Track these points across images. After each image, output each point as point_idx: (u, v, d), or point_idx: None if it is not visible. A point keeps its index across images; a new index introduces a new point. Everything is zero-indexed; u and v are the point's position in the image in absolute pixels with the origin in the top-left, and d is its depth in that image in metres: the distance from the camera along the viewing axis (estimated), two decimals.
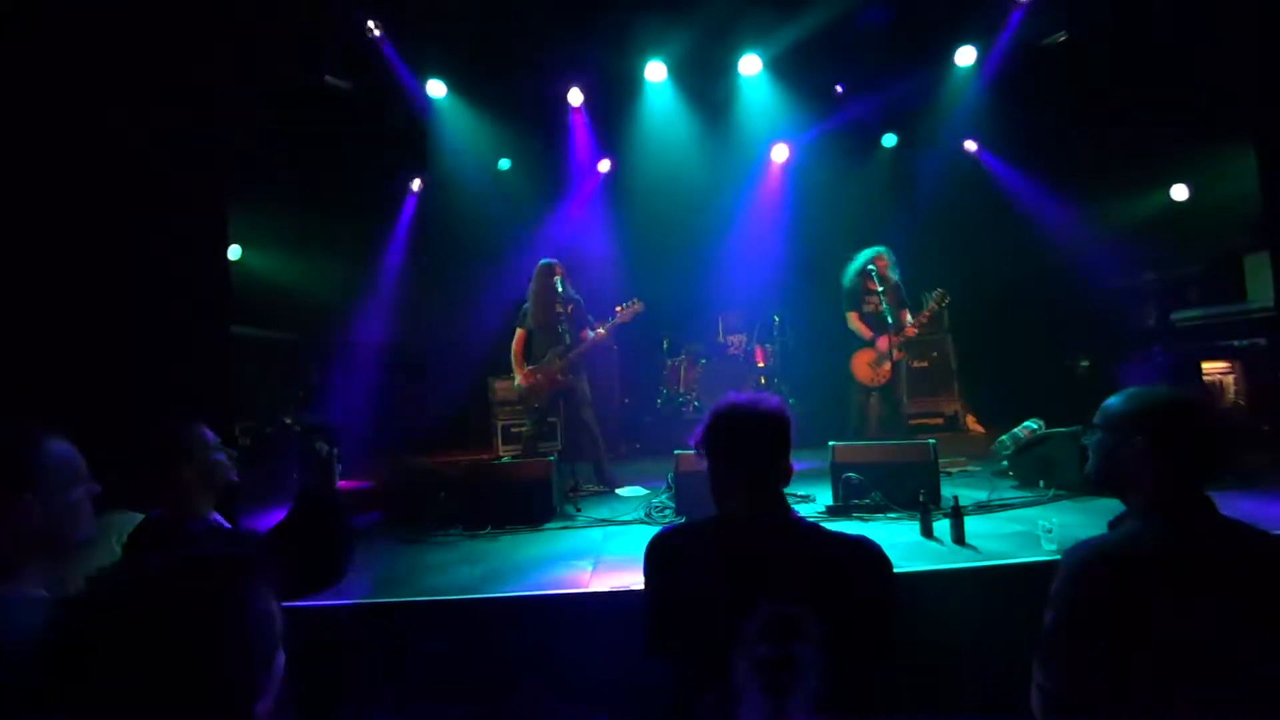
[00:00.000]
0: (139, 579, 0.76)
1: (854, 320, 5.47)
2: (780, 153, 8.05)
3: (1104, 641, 1.34)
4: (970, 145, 7.95)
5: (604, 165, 8.19)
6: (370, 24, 5.91)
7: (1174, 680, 1.30)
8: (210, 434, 1.84)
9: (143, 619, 0.71)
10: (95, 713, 0.67)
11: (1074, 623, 1.38)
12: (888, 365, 5.30)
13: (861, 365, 5.46)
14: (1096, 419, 1.56)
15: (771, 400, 1.54)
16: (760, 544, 1.42)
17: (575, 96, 6.95)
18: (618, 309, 5.09)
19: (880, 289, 5.25)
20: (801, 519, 1.51)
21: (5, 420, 1.31)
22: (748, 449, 1.49)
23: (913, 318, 5.29)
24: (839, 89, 7.12)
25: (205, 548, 1.45)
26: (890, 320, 5.18)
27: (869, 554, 1.45)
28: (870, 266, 5.32)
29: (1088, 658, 1.35)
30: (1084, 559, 1.42)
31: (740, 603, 1.33)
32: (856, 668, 1.35)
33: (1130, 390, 1.53)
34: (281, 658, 0.84)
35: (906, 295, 5.45)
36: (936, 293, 5.34)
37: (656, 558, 1.50)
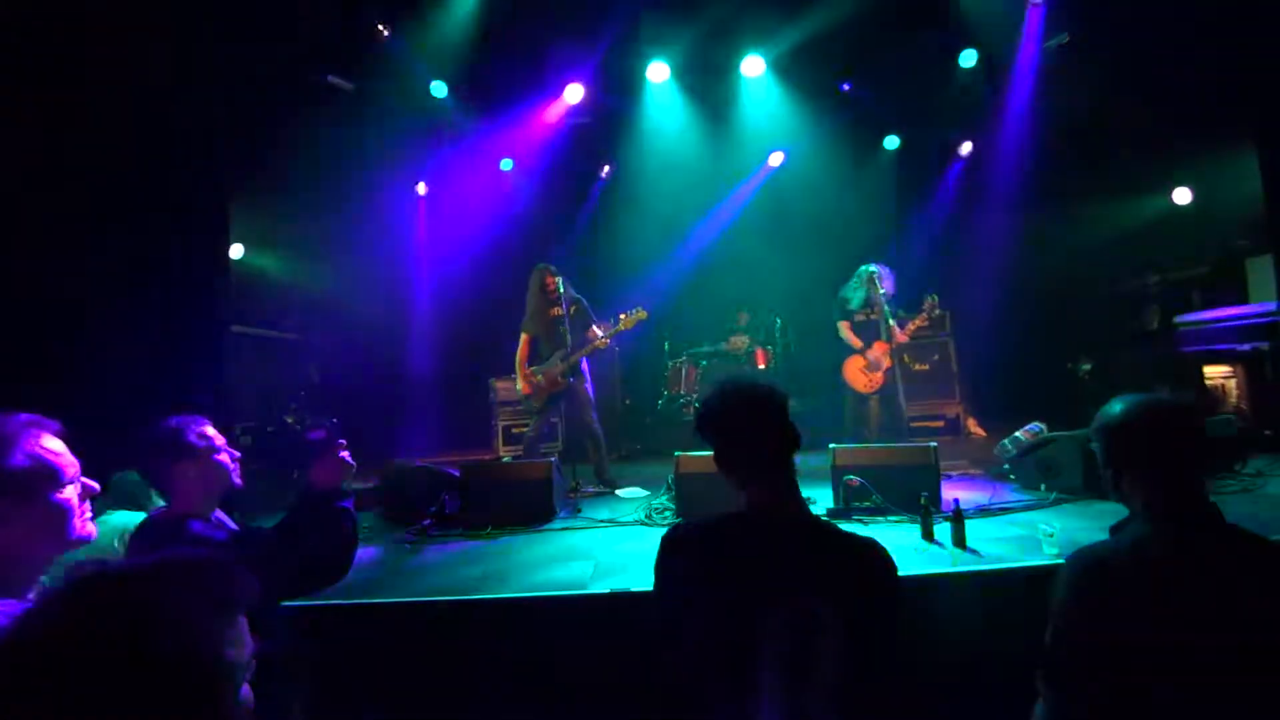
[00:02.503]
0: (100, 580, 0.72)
1: (845, 329, 5.57)
2: (782, 155, 8.05)
3: (1106, 650, 1.33)
4: (966, 147, 7.94)
5: (605, 169, 8.20)
6: (381, 26, 5.91)
7: (1176, 688, 1.29)
8: (214, 433, 1.84)
9: (100, 625, 0.68)
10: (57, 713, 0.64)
11: (1076, 631, 1.38)
12: (880, 372, 5.36)
13: (855, 371, 5.51)
14: (1094, 425, 1.55)
15: (760, 384, 1.56)
16: (777, 539, 1.43)
17: (574, 94, 6.94)
18: (621, 316, 5.08)
19: (871, 302, 5.44)
20: (810, 514, 1.52)
21: None
22: (749, 436, 1.50)
23: (901, 329, 5.36)
24: (845, 87, 7.10)
25: (186, 548, 1.43)
26: (882, 329, 5.27)
27: (880, 554, 1.46)
28: (866, 288, 5.44)
29: (1090, 667, 1.34)
30: (1085, 566, 1.42)
31: (760, 597, 1.33)
32: (868, 665, 1.36)
33: (1128, 396, 1.52)
34: (250, 660, 0.79)
35: (899, 305, 5.52)
36: (928, 300, 5.39)
37: (671, 554, 1.49)
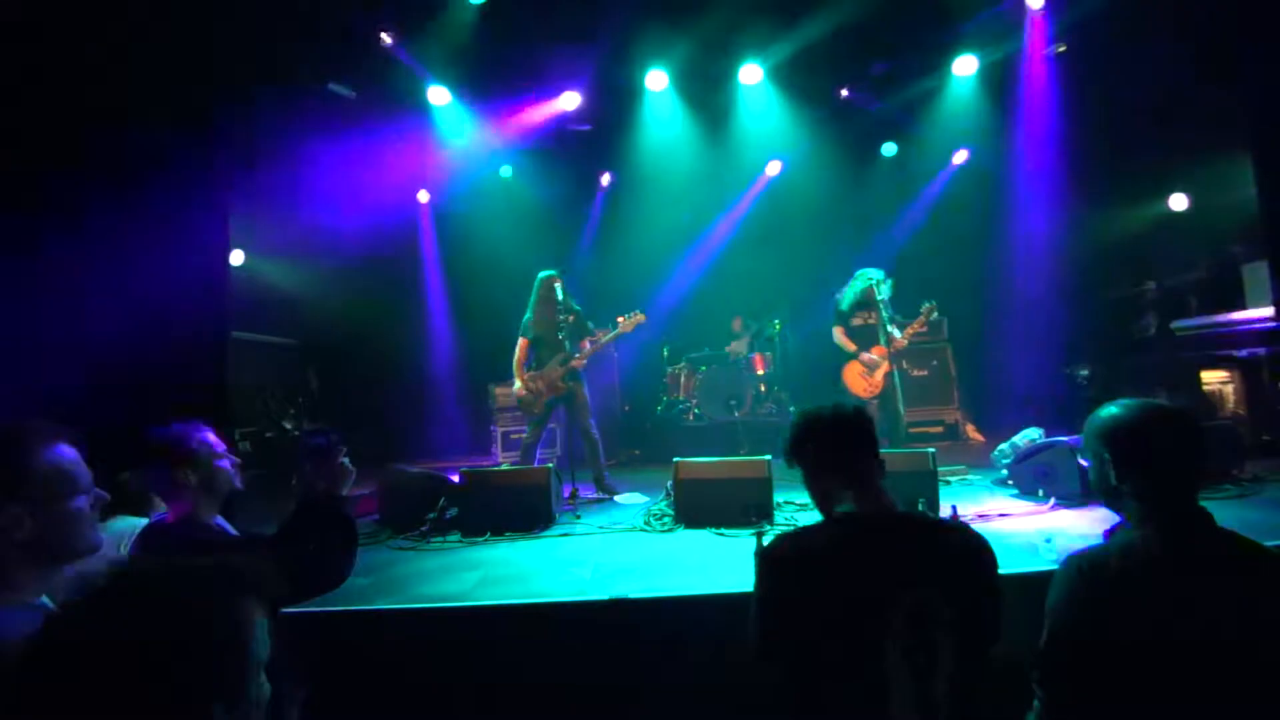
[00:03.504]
0: (112, 585, 0.78)
1: (839, 335, 5.59)
2: (781, 161, 8.09)
3: (1101, 652, 1.34)
4: (962, 155, 7.98)
5: (605, 178, 8.23)
6: (383, 34, 5.94)
7: (1170, 690, 1.30)
8: (214, 439, 1.85)
9: (107, 622, 0.74)
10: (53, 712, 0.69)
11: (1070, 634, 1.39)
12: (879, 374, 5.39)
13: (854, 376, 5.52)
14: (1086, 432, 1.56)
15: (848, 406, 1.69)
16: (887, 535, 1.50)
17: (570, 100, 6.97)
18: (619, 319, 5.14)
19: (869, 308, 5.47)
20: (910, 512, 1.55)
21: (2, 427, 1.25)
22: (846, 451, 1.61)
23: (900, 333, 5.38)
24: (844, 92, 7.13)
25: (187, 556, 1.46)
26: (880, 334, 5.32)
27: (981, 542, 1.52)
28: (863, 297, 5.50)
29: (1085, 669, 1.35)
30: (1079, 569, 1.42)
31: (883, 594, 1.39)
32: (979, 651, 1.42)
33: (1120, 402, 1.53)
34: (256, 666, 0.84)
35: (896, 310, 5.54)
36: (925, 306, 5.41)
37: (779, 564, 1.52)
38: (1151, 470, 1.45)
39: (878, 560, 1.44)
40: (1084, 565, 1.42)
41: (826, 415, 1.66)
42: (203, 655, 0.75)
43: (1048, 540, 3.03)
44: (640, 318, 5.14)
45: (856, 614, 1.39)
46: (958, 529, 1.57)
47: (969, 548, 1.51)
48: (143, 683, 0.70)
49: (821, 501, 1.64)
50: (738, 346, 7.73)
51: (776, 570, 1.52)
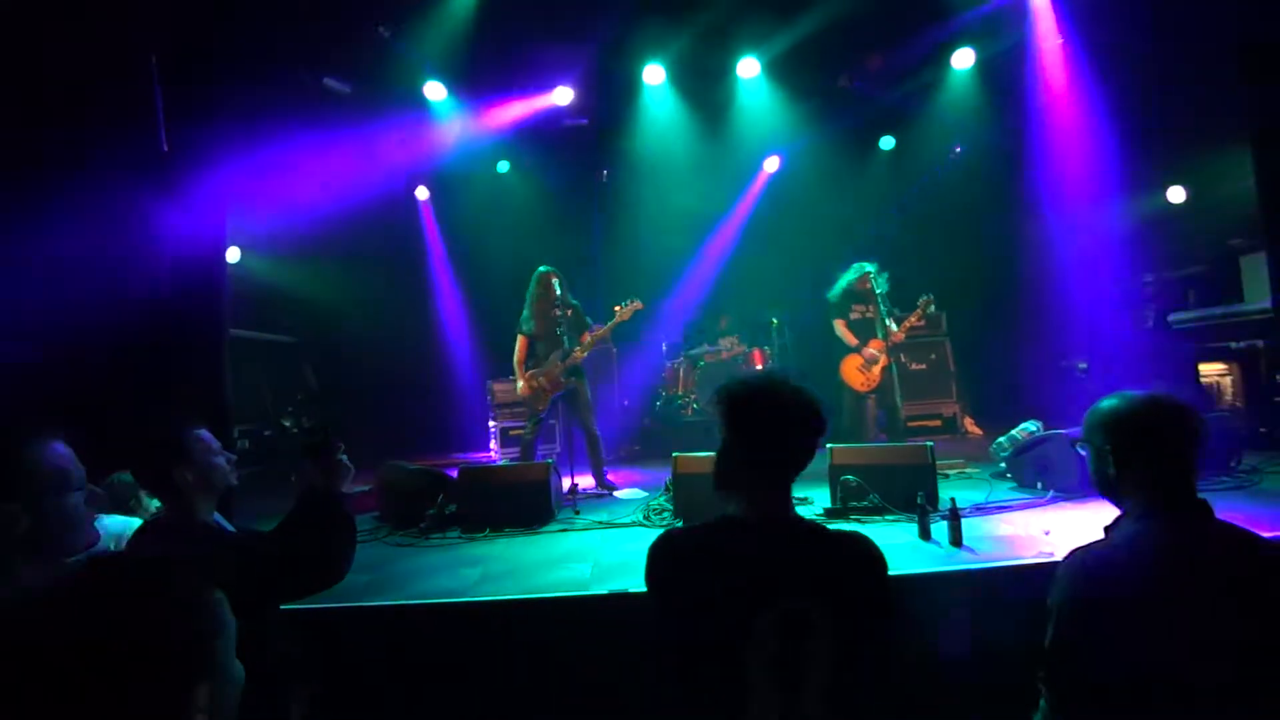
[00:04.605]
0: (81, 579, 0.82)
1: (840, 327, 5.59)
2: (779, 156, 8.07)
3: (1106, 648, 1.33)
4: (959, 149, 7.97)
5: (603, 173, 8.21)
6: (380, 28, 5.91)
7: (1176, 686, 1.29)
8: (210, 437, 1.84)
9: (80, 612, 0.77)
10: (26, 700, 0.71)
11: (1075, 631, 1.38)
12: (877, 369, 5.39)
13: (852, 370, 5.52)
14: (1085, 424, 1.56)
15: (794, 385, 1.48)
16: (767, 543, 1.42)
17: (563, 96, 6.95)
18: (616, 308, 5.15)
19: (866, 301, 5.46)
20: (802, 518, 1.51)
21: None
22: (776, 433, 1.44)
23: (897, 326, 5.38)
24: (842, 83, 7.09)
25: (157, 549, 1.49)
26: (879, 327, 5.31)
27: (870, 552, 1.45)
28: (857, 285, 5.49)
29: (1091, 667, 1.34)
30: (1082, 565, 1.42)
31: (752, 600, 1.33)
32: (860, 665, 1.36)
33: (1118, 394, 1.52)
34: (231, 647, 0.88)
35: (894, 304, 5.54)
36: (922, 299, 5.41)
37: (661, 559, 1.48)
38: (1152, 463, 1.44)
39: (749, 566, 1.38)
40: (1087, 561, 1.42)
41: (765, 391, 1.46)
42: (183, 641, 0.78)
43: (1046, 533, 3.04)
44: (637, 305, 5.15)
45: (720, 618, 1.34)
46: (842, 536, 1.47)
47: (850, 555, 1.43)
48: (117, 672, 0.72)
49: (723, 480, 1.49)
50: (729, 342, 7.72)
51: (654, 562, 1.48)
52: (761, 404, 1.46)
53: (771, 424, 1.44)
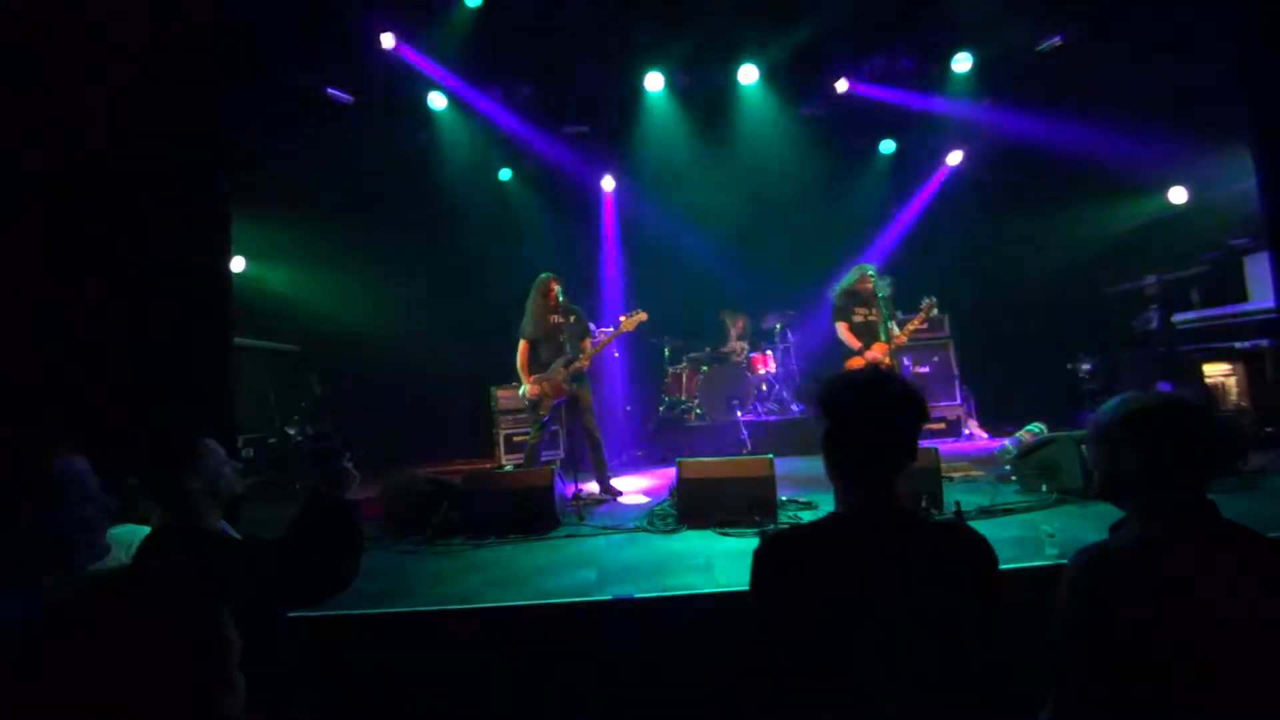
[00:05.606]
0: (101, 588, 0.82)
1: (844, 330, 5.59)
2: (781, 160, 8.08)
3: (1113, 649, 1.33)
4: (957, 157, 7.97)
5: (608, 182, 8.24)
6: (385, 36, 5.95)
7: (1182, 685, 1.29)
8: (216, 446, 1.85)
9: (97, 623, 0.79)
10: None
11: (1083, 632, 1.37)
12: None
13: None
14: (1091, 425, 1.55)
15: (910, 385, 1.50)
16: (876, 539, 1.41)
17: (568, 103, 6.99)
18: (621, 318, 5.17)
19: (869, 305, 5.47)
20: (906, 510, 1.48)
21: (14, 436, 1.29)
22: (882, 423, 1.44)
23: (899, 329, 5.38)
24: (844, 85, 7.11)
25: (170, 561, 1.49)
26: (881, 330, 5.31)
27: (981, 544, 1.44)
28: (857, 286, 5.49)
29: (1099, 667, 1.34)
30: (1089, 565, 1.41)
31: (863, 597, 1.34)
32: (972, 657, 1.36)
33: (1123, 396, 1.52)
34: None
35: (896, 306, 5.55)
36: (925, 301, 5.42)
37: (768, 561, 1.47)
38: (1160, 464, 1.44)
39: (857, 563, 1.38)
40: (1093, 561, 1.41)
41: (876, 383, 1.47)
42: (199, 650, 0.80)
43: (1051, 535, 3.03)
44: (642, 316, 5.17)
45: (829, 618, 1.35)
46: (956, 531, 1.49)
47: (967, 553, 1.43)
48: (135, 681, 0.73)
49: (840, 473, 1.49)
50: (738, 346, 7.73)
51: (766, 566, 1.48)
52: (869, 395, 1.47)
53: (879, 413, 1.45)
